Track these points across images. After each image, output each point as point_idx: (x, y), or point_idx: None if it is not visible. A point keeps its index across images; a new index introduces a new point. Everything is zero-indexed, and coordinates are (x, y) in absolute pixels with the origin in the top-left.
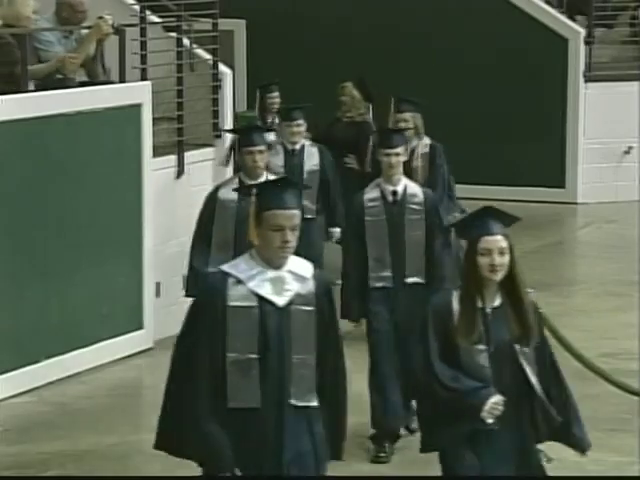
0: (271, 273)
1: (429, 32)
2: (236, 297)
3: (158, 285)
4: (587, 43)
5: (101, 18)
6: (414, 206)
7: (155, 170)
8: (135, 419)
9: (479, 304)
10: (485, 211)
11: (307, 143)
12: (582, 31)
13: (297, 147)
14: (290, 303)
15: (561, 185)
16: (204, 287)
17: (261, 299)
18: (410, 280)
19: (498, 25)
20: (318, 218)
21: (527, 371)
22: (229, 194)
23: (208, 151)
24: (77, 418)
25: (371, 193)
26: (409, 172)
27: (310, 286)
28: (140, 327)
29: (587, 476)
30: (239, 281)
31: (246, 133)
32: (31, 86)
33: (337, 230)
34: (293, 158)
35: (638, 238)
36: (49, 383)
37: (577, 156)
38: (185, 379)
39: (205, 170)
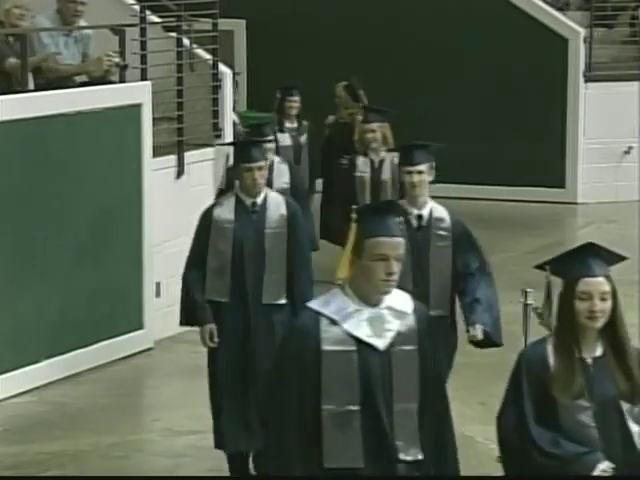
0: (369, 311)
1: (429, 32)
2: (331, 340)
3: (158, 285)
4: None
5: (108, 55)
6: (441, 232)
7: (155, 170)
8: (135, 419)
9: (577, 354)
10: (586, 249)
11: (277, 160)
12: (582, 31)
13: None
14: (391, 344)
15: (561, 185)
16: (294, 330)
17: (359, 342)
18: (433, 313)
19: (498, 25)
20: None
21: (634, 434)
22: (225, 214)
23: (208, 151)
24: (77, 418)
25: None
26: (377, 186)
27: (411, 322)
28: (140, 327)
29: (587, 476)
30: (333, 322)
31: (244, 148)
32: (31, 85)
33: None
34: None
35: (638, 238)
36: (49, 383)
37: (577, 156)
38: (276, 435)
39: (205, 170)
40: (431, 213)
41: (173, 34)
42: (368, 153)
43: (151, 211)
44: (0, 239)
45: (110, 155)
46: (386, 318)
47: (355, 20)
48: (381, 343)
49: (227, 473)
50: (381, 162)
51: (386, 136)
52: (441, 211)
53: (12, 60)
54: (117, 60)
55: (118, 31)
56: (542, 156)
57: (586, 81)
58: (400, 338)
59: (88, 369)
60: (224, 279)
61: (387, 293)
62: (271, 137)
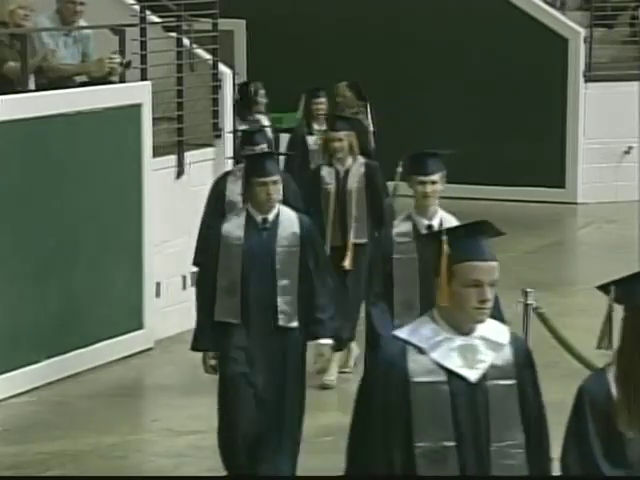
0: (460, 340)
1: (429, 32)
2: (419, 371)
3: (158, 285)
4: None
5: (110, 58)
6: None
7: (155, 170)
8: (135, 419)
9: None
10: None
11: None
12: (582, 31)
13: None
14: (484, 377)
15: (561, 185)
16: (378, 360)
17: (450, 373)
18: None
19: (498, 25)
20: None
21: None
22: (235, 230)
23: (208, 151)
24: (77, 418)
25: (401, 226)
26: (343, 196)
27: (507, 355)
28: (140, 327)
29: (587, 476)
30: (421, 351)
31: (257, 160)
32: (31, 85)
33: None
34: None
35: (638, 238)
36: (49, 383)
37: (577, 156)
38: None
39: (205, 170)
40: (441, 223)
41: (173, 34)
42: (333, 163)
43: (151, 211)
44: (0, 239)
45: (110, 155)
46: (479, 348)
47: (355, 20)
48: (473, 375)
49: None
50: (347, 172)
51: (352, 145)
52: (452, 221)
53: (11, 64)
54: (119, 60)
55: (118, 31)
56: (542, 156)
57: (586, 81)
58: (495, 371)
59: (88, 369)
60: (235, 300)
61: (481, 321)
62: (264, 145)
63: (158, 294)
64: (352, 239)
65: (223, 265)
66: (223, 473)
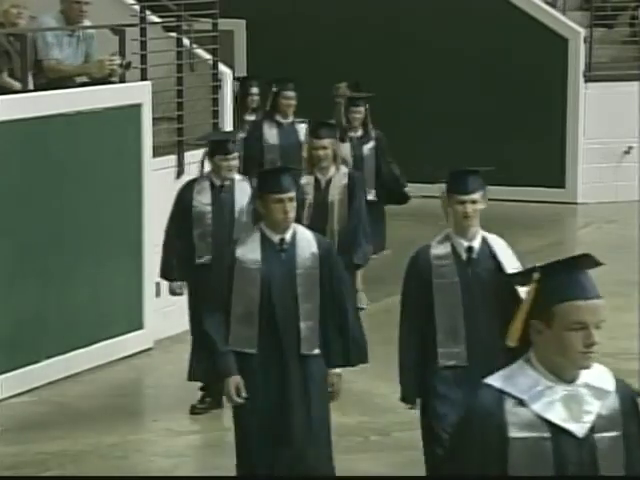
0: (563, 389)
1: (429, 32)
2: (519, 425)
3: (158, 285)
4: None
5: (110, 59)
6: (494, 265)
7: (155, 170)
8: (135, 419)
9: None
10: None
11: (237, 177)
12: (582, 31)
13: (227, 182)
14: (591, 430)
15: (561, 185)
16: (473, 411)
17: (553, 427)
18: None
19: (498, 25)
20: None
21: None
22: (250, 253)
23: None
24: (77, 418)
25: (440, 248)
26: (324, 207)
27: (613, 402)
28: (140, 327)
29: (587, 476)
30: (520, 402)
31: (273, 175)
32: (31, 85)
33: None
34: (221, 195)
35: (638, 238)
36: (49, 383)
37: (577, 156)
38: None
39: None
40: (482, 244)
41: (173, 34)
42: (314, 171)
43: (151, 211)
44: (0, 239)
45: (110, 155)
46: (584, 398)
47: (355, 20)
48: (579, 429)
49: (226, 473)
50: (328, 182)
51: (336, 153)
52: (497, 241)
53: (7, 79)
54: (120, 61)
55: (118, 31)
56: (542, 156)
57: (586, 81)
58: (601, 422)
59: (88, 369)
60: (252, 328)
61: (587, 367)
62: (235, 154)
63: (158, 294)
64: None
65: (238, 291)
66: (223, 473)
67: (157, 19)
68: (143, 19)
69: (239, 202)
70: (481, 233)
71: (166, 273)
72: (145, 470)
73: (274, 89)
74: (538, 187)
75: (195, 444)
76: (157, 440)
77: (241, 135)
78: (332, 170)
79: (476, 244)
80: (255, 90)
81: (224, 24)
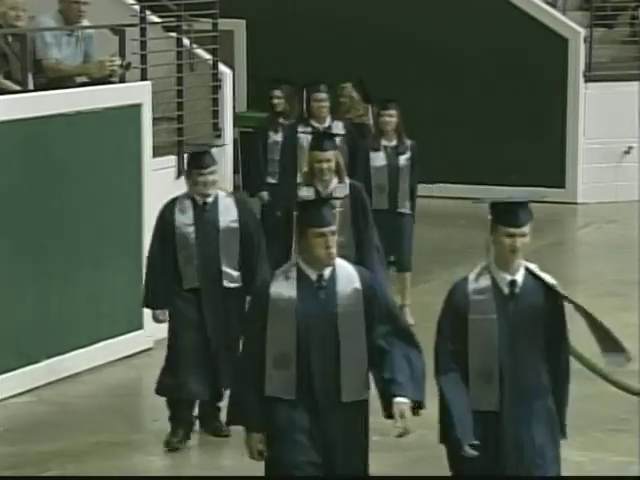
0: None
1: (429, 32)
2: None
3: None
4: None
5: (110, 60)
6: (537, 301)
7: (155, 170)
8: (135, 419)
9: None
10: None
11: (221, 194)
12: (582, 31)
13: (209, 200)
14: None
15: (561, 185)
16: None
17: None
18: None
19: (498, 25)
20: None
21: None
22: (285, 290)
23: None
24: (77, 418)
25: (478, 281)
26: None
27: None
28: (140, 327)
29: (587, 476)
30: None
31: (313, 207)
32: (30, 85)
33: None
34: (204, 214)
35: (638, 238)
36: (49, 383)
37: (577, 156)
38: None
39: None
40: (526, 278)
41: (173, 34)
42: (314, 183)
43: (151, 211)
44: (0, 239)
45: (110, 155)
46: None
47: (355, 20)
48: None
49: (226, 473)
50: (329, 195)
51: (340, 166)
52: (539, 273)
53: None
54: (120, 62)
55: (118, 31)
56: (542, 156)
57: (586, 81)
58: None
59: (88, 369)
60: (289, 372)
61: None
62: (213, 168)
63: None
64: None
65: (273, 332)
66: (223, 473)
67: (157, 19)
68: (143, 19)
69: (224, 221)
70: (524, 264)
71: (151, 301)
72: (145, 470)
73: (305, 93)
74: (538, 187)
75: (195, 444)
76: (157, 440)
77: (277, 139)
78: (334, 182)
79: (519, 277)
80: (278, 93)
81: (224, 24)
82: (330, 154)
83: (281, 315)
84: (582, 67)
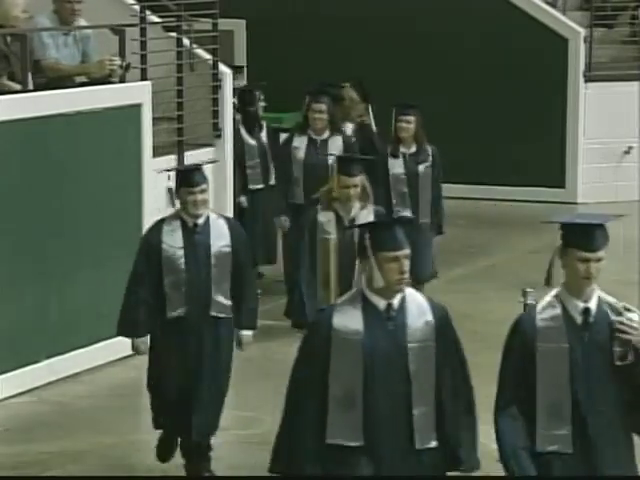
0: None
1: (429, 32)
2: None
3: None
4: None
5: (110, 60)
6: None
7: (155, 170)
8: (135, 419)
9: None
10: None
11: (212, 215)
12: (582, 31)
13: (200, 221)
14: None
15: (561, 185)
16: None
17: None
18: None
19: (498, 25)
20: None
21: None
22: (350, 322)
23: (208, 151)
24: (77, 418)
25: (548, 310)
26: (351, 248)
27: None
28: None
29: (587, 476)
30: None
31: (386, 230)
32: (29, 85)
33: (249, 334)
34: (194, 236)
35: (638, 238)
36: (49, 383)
37: (577, 156)
38: None
39: (205, 170)
40: (599, 306)
41: (173, 34)
42: (337, 208)
43: (151, 211)
44: (0, 239)
45: (110, 155)
46: None
47: (355, 20)
48: None
49: (225, 473)
50: (352, 220)
51: (366, 191)
52: (610, 301)
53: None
54: (120, 62)
55: (118, 31)
56: (542, 156)
57: (586, 81)
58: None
59: (88, 369)
60: (354, 413)
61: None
62: (203, 186)
63: None
64: None
65: (337, 369)
66: (223, 473)
67: (157, 19)
68: (143, 19)
69: (216, 244)
70: (597, 293)
71: (129, 330)
72: (145, 470)
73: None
74: (538, 187)
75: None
76: (157, 440)
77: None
78: (356, 206)
79: (592, 305)
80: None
81: (224, 24)
82: (358, 179)
83: (346, 349)
84: (582, 67)
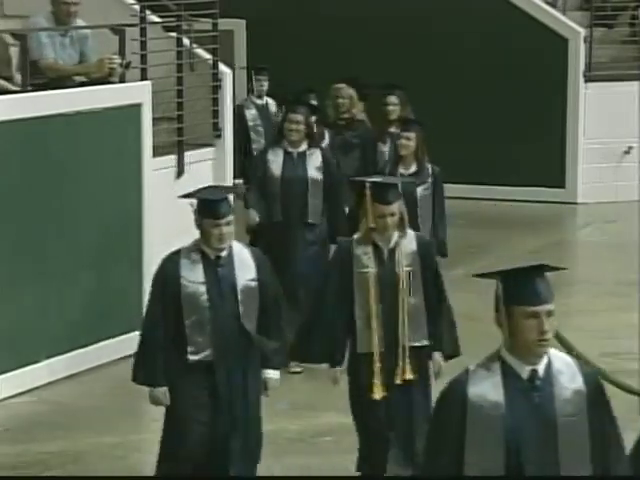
0: None
1: (429, 32)
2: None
3: None
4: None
5: (110, 59)
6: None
7: (155, 170)
8: (135, 419)
9: None
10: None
11: (236, 246)
12: (582, 31)
13: (223, 253)
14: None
15: (561, 185)
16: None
17: None
18: None
19: (498, 25)
20: None
21: None
22: (489, 392)
23: (208, 151)
24: (77, 418)
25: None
26: (392, 281)
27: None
28: (140, 327)
29: (587, 476)
30: None
31: (522, 279)
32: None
33: (276, 376)
34: (218, 270)
35: (638, 238)
36: (49, 383)
37: (577, 156)
38: None
39: (205, 170)
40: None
41: (173, 34)
42: (375, 239)
43: (151, 211)
44: (0, 239)
45: (110, 155)
46: None
47: (355, 20)
48: None
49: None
50: (392, 251)
51: (403, 217)
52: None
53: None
54: (120, 61)
55: (118, 31)
56: (542, 156)
57: (586, 81)
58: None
59: (88, 369)
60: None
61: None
62: (230, 218)
63: None
64: (408, 341)
65: (474, 445)
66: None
67: (157, 19)
68: (143, 19)
69: (242, 278)
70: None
71: (147, 378)
72: (145, 470)
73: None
74: (538, 187)
75: None
76: (157, 440)
77: (384, 149)
78: (395, 235)
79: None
80: (394, 99)
81: (224, 24)
82: (396, 207)
83: (483, 424)
84: (582, 67)
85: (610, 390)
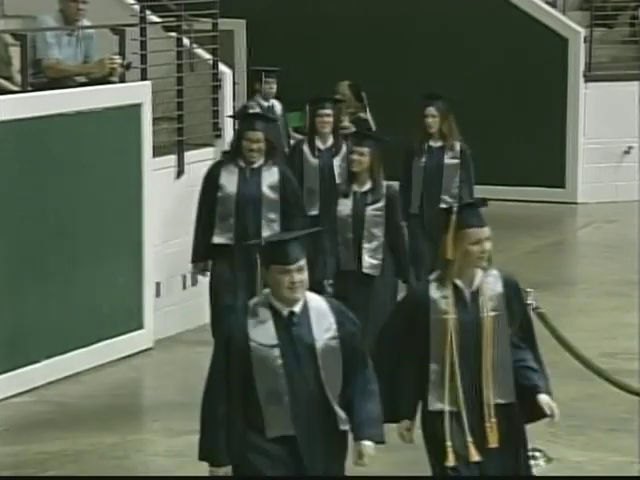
0: None
1: (429, 32)
2: None
3: (158, 285)
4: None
5: (111, 59)
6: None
7: (155, 170)
8: (135, 419)
9: None
10: None
11: (312, 299)
12: (582, 31)
13: (297, 309)
14: None
15: (561, 185)
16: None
17: None
18: None
19: (498, 25)
20: None
21: None
22: None
23: (208, 151)
24: (77, 418)
25: None
26: (475, 330)
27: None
28: (140, 327)
29: (587, 476)
30: None
31: None
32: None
33: (371, 446)
34: (292, 329)
35: (638, 238)
36: (49, 383)
37: (577, 156)
38: None
39: (205, 170)
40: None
41: (173, 34)
42: (454, 279)
43: (151, 211)
44: (0, 239)
45: (110, 155)
46: None
47: (355, 20)
48: None
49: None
50: (475, 293)
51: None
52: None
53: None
54: (120, 61)
55: (118, 31)
56: (542, 156)
57: (586, 81)
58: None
59: (88, 369)
60: None
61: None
62: (302, 262)
63: (158, 294)
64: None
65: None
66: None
67: (157, 19)
68: (143, 19)
69: (321, 337)
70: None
71: (210, 456)
72: (145, 470)
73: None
74: (538, 187)
75: (195, 444)
76: (157, 440)
77: (421, 164)
78: (479, 275)
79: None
80: (433, 111)
81: (224, 24)
82: (487, 230)
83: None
84: (582, 67)
85: (610, 390)
